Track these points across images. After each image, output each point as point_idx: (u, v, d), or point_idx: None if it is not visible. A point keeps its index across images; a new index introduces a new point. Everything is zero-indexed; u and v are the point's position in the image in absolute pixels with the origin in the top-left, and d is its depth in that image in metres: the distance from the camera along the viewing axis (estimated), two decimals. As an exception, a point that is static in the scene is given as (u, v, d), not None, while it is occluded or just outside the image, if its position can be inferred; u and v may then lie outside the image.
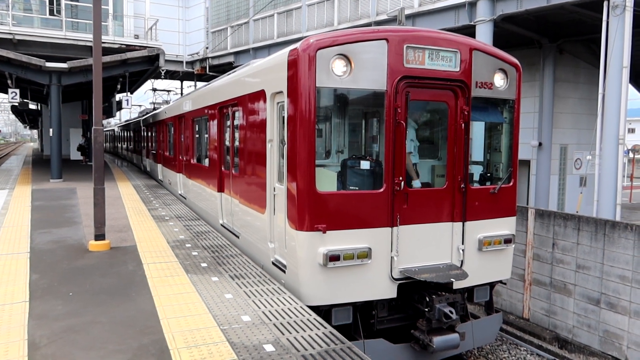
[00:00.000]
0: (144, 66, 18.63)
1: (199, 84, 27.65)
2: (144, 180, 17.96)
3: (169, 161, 15.30)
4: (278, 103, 6.41)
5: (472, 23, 13.28)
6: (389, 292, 6.02)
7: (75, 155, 27.23)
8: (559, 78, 16.05)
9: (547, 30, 15.17)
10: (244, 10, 22.67)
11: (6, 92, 18.85)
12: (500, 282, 7.09)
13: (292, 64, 5.75)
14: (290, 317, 4.95)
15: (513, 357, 8.74)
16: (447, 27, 13.54)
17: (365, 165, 6.33)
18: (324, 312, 5.73)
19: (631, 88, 19.80)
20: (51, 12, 20.42)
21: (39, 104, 33.44)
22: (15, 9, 20.09)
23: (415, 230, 6.14)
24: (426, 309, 5.99)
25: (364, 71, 5.76)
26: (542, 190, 16.15)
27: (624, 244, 8.37)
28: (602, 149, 11.02)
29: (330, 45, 5.62)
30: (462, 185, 6.36)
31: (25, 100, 25.79)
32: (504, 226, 6.77)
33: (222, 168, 9.19)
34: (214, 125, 9.63)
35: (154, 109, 24.78)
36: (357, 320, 5.97)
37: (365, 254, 5.78)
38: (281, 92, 6.11)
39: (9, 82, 16.76)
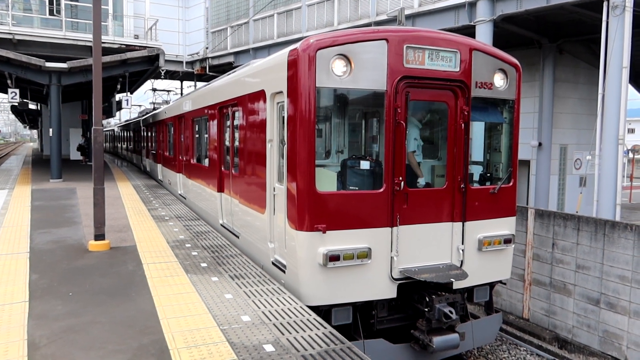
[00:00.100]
0: (144, 66, 18.63)
1: (199, 84, 27.66)
2: (144, 180, 17.96)
3: (168, 161, 15.30)
4: (278, 103, 6.41)
5: (472, 23, 13.28)
6: (389, 292, 6.02)
7: (75, 155, 27.23)
8: (559, 78, 16.06)
9: (547, 30, 15.17)
10: (243, 10, 22.67)
11: (6, 92, 18.85)
12: (500, 282, 7.09)
13: (292, 64, 5.76)
14: (290, 317, 4.95)
15: (513, 357, 8.74)
16: (447, 27, 13.54)
17: (365, 165, 6.33)
18: (323, 312, 5.73)
19: (631, 88, 19.81)
20: (51, 12, 20.40)
21: (38, 104, 33.45)
22: (15, 9, 20.08)
23: (415, 230, 6.14)
24: (426, 309, 5.99)
25: (364, 71, 5.76)
26: (542, 191, 16.16)
27: (624, 244, 8.37)
28: (602, 149, 11.02)
29: (330, 46, 5.62)
30: (462, 185, 6.36)
31: (25, 100, 25.78)
32: (504, 226, 6.78)
33: (222, 168, 9.19)
34: (213, 125, 9.63)
35: (154, 109, 24.79)
36: (357, 320, 5.96)
37: (365, 254, 5.78)
38: (281, 92, 6.11)
39: (9, 82, 16.76)
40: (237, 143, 8.16)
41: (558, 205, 16.49)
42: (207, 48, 25.14)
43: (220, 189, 9.27)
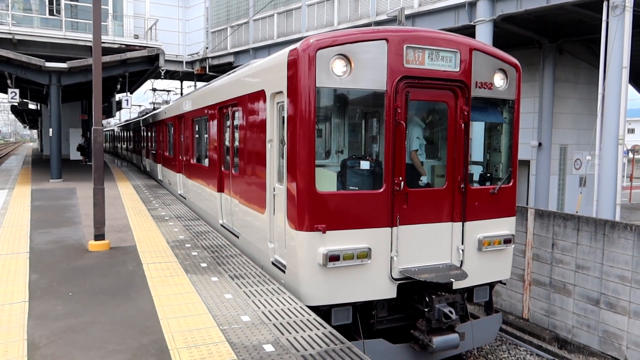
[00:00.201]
0: (144, 66, 18.62)
1: (199, 84, 27.65)
2: (144, 180, 17.96)
3: (168, 161, 15.30)
4: (278, 103, 6.40)
5: (472, 23, 13.28)
6: (389, 292, 6.02)
7: (75, 155, 27.24)
8: (559, 78, 16.06)
9: (547, 30, 15.18)
10: (243, 10, 22.67)
11: (6, 92, 18.84)
12: (500, 282, 7.09)
13: (292, 64, 5.75)
14: (290, 317, 4.95)
15: (513, 357, 8.74)
16: (447, 27, 13.54)
17: (365, 165, 6.33)
18: (323, 312, 5.73)
19: (631, 88, 19.82)
20: (51, 12, 20.41)
21: (38, 104, 33.44)
22: (15, 9, 20.08)
23: (415, 231, 6.14)
24: (426, 309, 5.99)
25: (364, 71, 5.76)
26: (542, 191, 16.16)
27: (624, 244, 8.37)
28: (602, 149, 11.02)
29: (330, 45, 5.62)
30: (461, 186, 6.36)
31: (25, 100, 25.78)
32: (504, 226, 6.78)
33: (222, 168, 9.19)
34: (213, 125, 9.63)
35: (154, 109, 24.78)
36: (357, 321, 5.96)
37: (365, 254, 5.78)
38: (281, 92, 6.10)
39: (9, 82, 16.75)
40: (237, 143, 8.16)
41: (558, 205, 16.49)
42: (207, 48, 25.14)
43: (220, 189, 9.27)
